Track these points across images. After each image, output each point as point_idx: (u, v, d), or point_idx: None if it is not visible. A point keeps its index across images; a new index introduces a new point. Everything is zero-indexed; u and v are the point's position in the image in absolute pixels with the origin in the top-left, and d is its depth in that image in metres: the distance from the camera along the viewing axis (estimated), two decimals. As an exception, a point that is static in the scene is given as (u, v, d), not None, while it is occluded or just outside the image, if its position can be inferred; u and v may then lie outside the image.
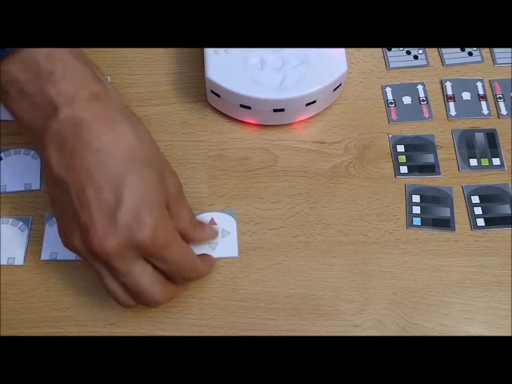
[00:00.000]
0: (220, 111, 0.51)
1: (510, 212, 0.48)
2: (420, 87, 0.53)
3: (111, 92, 0.41)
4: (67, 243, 0.39)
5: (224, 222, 0.47)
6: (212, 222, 0.47)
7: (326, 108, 0.52)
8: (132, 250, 0.37)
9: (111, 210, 0.37)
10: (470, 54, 0.55)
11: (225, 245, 0.46)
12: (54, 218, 0.47)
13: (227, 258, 0.46)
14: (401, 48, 0.55)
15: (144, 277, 0.39)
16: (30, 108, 0.39)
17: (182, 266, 0.41)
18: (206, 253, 0.46)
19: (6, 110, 0.41)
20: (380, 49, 0.55)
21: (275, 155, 0.50)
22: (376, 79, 0.54)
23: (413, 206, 0.48)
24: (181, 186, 0.43)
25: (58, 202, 0.39)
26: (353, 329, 0.44)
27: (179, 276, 0.41)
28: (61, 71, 0.39)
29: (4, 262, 0.45)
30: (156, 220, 0.37)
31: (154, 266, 0.39)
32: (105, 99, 0.40)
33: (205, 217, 0.47)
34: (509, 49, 0.55)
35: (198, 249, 0.45)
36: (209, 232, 0.46)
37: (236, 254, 0.46)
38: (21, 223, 0.47)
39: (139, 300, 0.40)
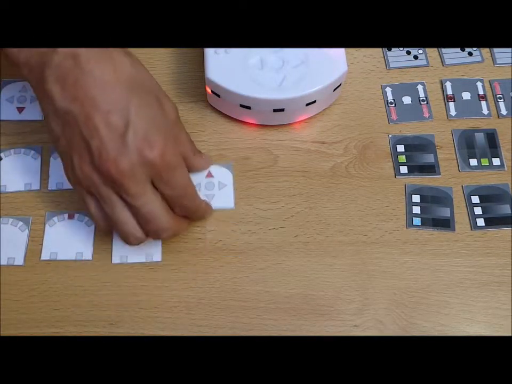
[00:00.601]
0: (219, 111, 0.51)
1: (510, 212, 0.48)
2: (420, 87, 0.53)
3: None
4: (76, 174, 0.40)
5: (221, 175, 0.49)
6: (209, 175, 0.48)
7: (326, 108, 0.52)
8: (143, 171, 0.39)
9: (121, 133, 0.38)
10: (470, 54, 0.55)
11: (221, 196, 0.48)
12: (53, 218, 0.47)
13: (223, 209, 0.47)
14: (401, 48, 0.55)
15: (155, 201, 0.40)
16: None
17: (185, 193, 0.42)
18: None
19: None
20: (379, 49, 0.55)
21: (275, 155, 0.50)
22: (376, 79, 0.54)
23: (413, 206, 0.48)
24: (178, 112, 0.44)
25: (62, 135, 0.40)
26: (353, 329, 0.44)
27: (179, 203, 0.42)
28: None
29: (4, 262, 0.45)
30: (164, 140, 0.40)
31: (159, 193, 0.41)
32: None
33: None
34: (509, 49, 0.55)
35: None
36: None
37: (232, 205, 0.48)
38: (21, 223, 0.47)
39: (149, 227, 0.41)
